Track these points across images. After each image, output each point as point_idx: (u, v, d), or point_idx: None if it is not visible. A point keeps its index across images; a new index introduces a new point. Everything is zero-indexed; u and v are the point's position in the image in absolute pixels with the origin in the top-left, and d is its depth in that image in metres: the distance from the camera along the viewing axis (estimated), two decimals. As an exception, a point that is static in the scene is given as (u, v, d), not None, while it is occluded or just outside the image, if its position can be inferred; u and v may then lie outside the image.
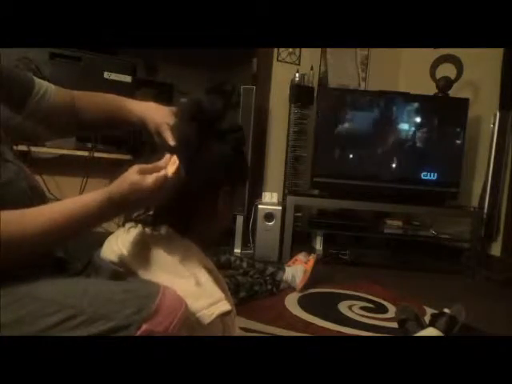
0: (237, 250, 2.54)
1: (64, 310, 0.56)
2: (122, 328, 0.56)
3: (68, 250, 0.78)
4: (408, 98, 2.63)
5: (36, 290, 0.59)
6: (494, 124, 2.51)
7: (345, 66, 3.11)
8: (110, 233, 0.78)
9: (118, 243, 0.73)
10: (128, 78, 2.17)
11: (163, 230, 0.72)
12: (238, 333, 0.96)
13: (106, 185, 0.64)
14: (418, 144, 2.62)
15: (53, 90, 0.83)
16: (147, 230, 0.72)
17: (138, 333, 0.56)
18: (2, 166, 0.67)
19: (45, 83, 0.83)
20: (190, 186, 0.70)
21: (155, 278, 0.64)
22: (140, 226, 0.72)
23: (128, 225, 0.74)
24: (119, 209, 0.65)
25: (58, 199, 1.19)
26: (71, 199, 0.65)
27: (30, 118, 0.79)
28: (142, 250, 0.70)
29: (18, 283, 0.59)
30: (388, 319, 1.62)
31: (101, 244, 0.76)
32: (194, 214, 0.75)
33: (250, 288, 1.71)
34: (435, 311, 1.48)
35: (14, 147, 0.79)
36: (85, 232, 0.66)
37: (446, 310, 1.40)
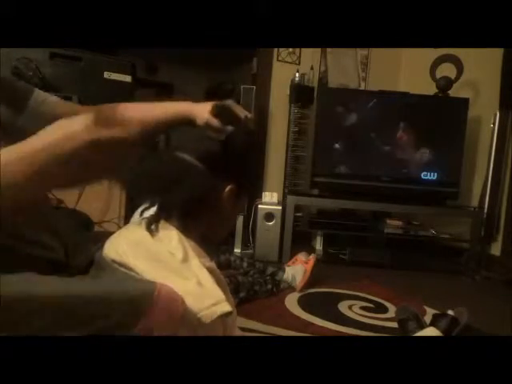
0: (237, 250, 2.55)
1: (61, 310, 0.56)
2: (120, 326, 0.56)
3: (69, 250, 0.78)
4: (408, 97, 2.63)
5: (34, 289, 0.59)
6: (494, 124, 2.51)
7: (345, 66, 3.11)
8: (112, 233, 0.78)
9: (121, 243, 0.73)
10: (128, 78, 2.17)
11: (166, 230, 0.72)
12: (237, 333, 0.96)
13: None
14: (418, 144, 2.63)
15: (53, 99, 0.84)
16: (150, 229, 0.72)
17: (136, 330, 0.56)
18: None
19: (46, 93, 0.84)
20: (194, 184, 0.71)
21: (157, 278, 0.64)
22: (143, 225, 0.72)
23: (131, 225, 0.74)
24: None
25: (58, 199, 1.18)
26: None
27: (31, 121, 0.80)
28: (144, 249, 0.70)
29: (16, 283, 0.59)
30: (388, 319, 1.62)
31: (102, 244, 0.76)
32: (198, 213, 0.75)
33: (250, 288, 1.71)
34: (436, 311, 1.48)
35: None
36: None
37: (450, 312, 1.40)
